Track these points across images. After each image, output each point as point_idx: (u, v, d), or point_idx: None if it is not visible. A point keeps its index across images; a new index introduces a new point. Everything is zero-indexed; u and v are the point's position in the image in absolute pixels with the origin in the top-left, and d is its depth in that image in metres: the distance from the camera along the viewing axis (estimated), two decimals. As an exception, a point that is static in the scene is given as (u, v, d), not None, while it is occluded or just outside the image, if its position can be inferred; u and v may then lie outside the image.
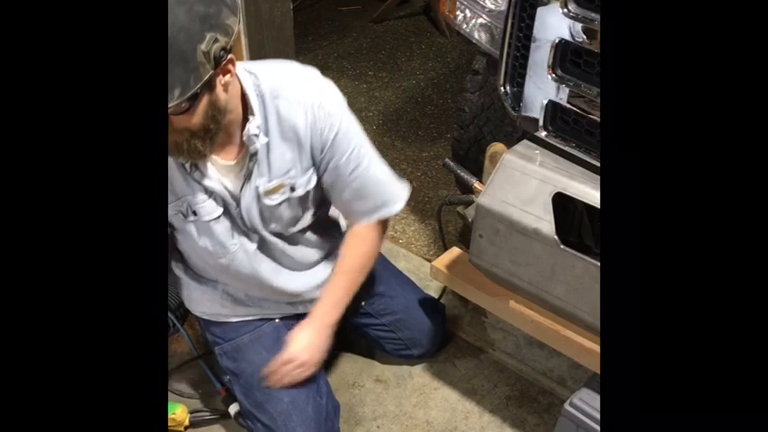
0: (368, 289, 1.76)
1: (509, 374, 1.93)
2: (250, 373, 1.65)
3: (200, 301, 1.70)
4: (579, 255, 1.35)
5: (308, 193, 1.53)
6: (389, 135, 2.92)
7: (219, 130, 1.32)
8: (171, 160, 1.38)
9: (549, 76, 1.35)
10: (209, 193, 1.44)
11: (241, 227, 1.52)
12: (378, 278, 1.80)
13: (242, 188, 1.45)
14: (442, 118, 3.02)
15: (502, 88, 1.50)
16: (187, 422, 1.76)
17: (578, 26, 1.28)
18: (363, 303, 1.79)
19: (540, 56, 1.35)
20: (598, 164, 1.36)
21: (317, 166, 1.51)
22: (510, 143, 1.52)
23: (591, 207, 1.38)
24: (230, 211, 1.48)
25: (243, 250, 1.54)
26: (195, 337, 1.98)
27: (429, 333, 1.89)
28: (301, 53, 3.31)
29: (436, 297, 2.04)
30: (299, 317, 1.75)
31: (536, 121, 1.43)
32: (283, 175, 1.47)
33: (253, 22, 2.03)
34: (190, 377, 1.91)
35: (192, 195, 1.43)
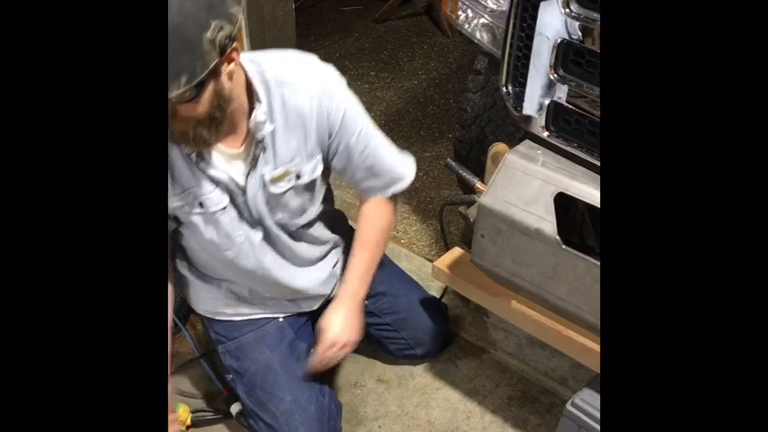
0: (371, 288, 1.76)
1: (511, 374, 1.93)
2: (253, 372, 1.65)
3: (204, 300, 1.70)
4: (581, 255, 1.35)
5: (313, 181, 1.54)
6: (391, 135, 2.89)
7: (224, 119, 1.33)
8: (176, 152, 1.38)
9: (551, 76, 1.36)
10: (215, 183, 1.44)
11: (247, 218, 1.52)
12: (381, 277, 1.80)
13: (247, 177, 1.45)
14: (443, 118, 3.02)
15: (504, 88, 1.50)
16: (189, 422, 1.76)
17: (576, 24, 1.28)
18: (367, 303, 1.79)
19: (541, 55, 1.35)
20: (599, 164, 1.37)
21: (326, 151, 1.52)
22: (512, 143, 1.52)
23: (592, 207, 1.38)
24: (236, 202, 1.49)
25: (248, 242, 1.54)
26: (197, 337, 1.98)
27: (432, 332, 1.89)
28: (303, 53, 3.31)
29: (438, 297, 2.04)
30: (303, 315, 1.76)
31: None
32: (288, 162, 1.47)
33: (255, 22, 2.03)
34: (191, 377, 1.91)
35: (198, 187, 1.43)
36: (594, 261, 1.33)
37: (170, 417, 1.55)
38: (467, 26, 1.70)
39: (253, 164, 1.44)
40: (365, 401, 1.87)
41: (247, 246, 1.54)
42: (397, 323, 1.84)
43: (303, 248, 1.65)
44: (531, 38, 1.37)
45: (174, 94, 1.18)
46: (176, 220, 1.52)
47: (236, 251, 1.54)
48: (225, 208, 1.47)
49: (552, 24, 1.31)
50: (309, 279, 1.69)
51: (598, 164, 1.37)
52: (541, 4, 1.32)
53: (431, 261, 2.00)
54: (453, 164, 1.72)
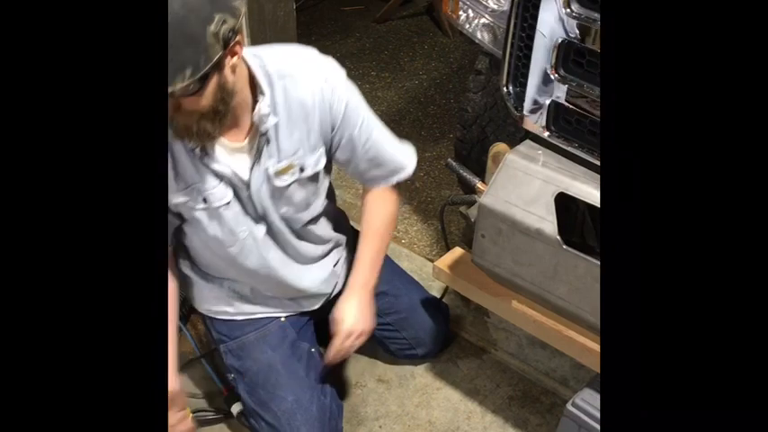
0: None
1: (511, 374, 1.93)
2: (255, 372, 1.65)
3: (207, 299, 1.70)
4: (582, 255, 1.35)
5: (317, 174, 1.54)
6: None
7: (228, 112, 1.33)
8: (180, 147, 1.39)
9: (553, 76, 1.36)
10: (219, 177, 1.44)
11: (251, 213, 1.52)
12: (382, 277, 1.80)
13: (251, 170, 1.46)
14: (444, 118, 3.02)
15: (504, 88, 1.50)
16: (190, 422, 1.76)
17: (576, 24, 1.28)
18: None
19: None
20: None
21: (329, 144, 1.53)
22: (513, 143, 1.52)
23: (593, 207, 1.38)
24: (240, 196, 1.49)
25: (252, 237, 1.54)
26: (197, 337, 1.98)
27: (433, 332, 1.89)
28: (304, 53, 3.31)
29: (439, 297, 2.04)
30: (304, 315, 1.76)
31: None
32: (292, 155, 1.47)
33: (256, 22, 2.03)
34: (192, 377, 1.91)
35: (202, 182, 1.43)
36: (595, 261, 1.33)
37: (181, 414, 1.54)
38: (468, 26, 1.70)
39: (257, 157, 1.44)
40: (366, 401, 1.87)
41: (251, 241, 1.54)
42: (398, 323, 1.84)
43: (306, 245, 1.65)
44: (531, 38, 1.37)
45: (178, 87, 1.19)
46: (180, 217, 1.51)
47: (239, 247, 1.54)
48: (229, 203, 1.48)
49: (553, 24, 1.31)
50: (311, 277, 1.69)
51: (599, 164, 1.37)
52: (542, 3, 1.32)
53: (432, 261, 2.00)
54: (454, 164, 1.72)
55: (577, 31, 1.28)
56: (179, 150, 1.39)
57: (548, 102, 1.40)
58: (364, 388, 1.91)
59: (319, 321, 1.80)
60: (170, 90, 1.19)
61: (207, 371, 1.89)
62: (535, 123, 1.44)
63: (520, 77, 1.47)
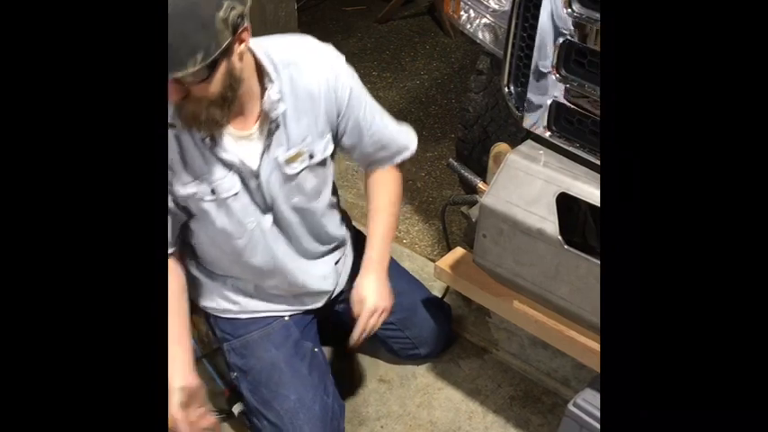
0: None
1: (513, 375, 1.93)
2: (258, 370, 1.66)
3: (211, 297, 1.71)
4: (583, 255, 1.35)
5: (325, 160, 1.56)
6: (394, 135, 2.91)
7: (236, 99, 1.35)
8: (188, 138, 1.39)
9: (554, 76, 1.36)
10: (227, 167, 1.45)
11: (259, 203, 1.52)
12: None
13: (261, 159, 1.46)
14: (446, 118, 3.02)
15: (506, 88, 1.50)
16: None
17: (577, 24, 1.28)
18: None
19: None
20: (602, 164, 1.36)
21: (336, 130, 1.55)
22: (514, 143, 1.52)
23: (595, 207, 1.38)
24: (248, 187, 1.49)
25: (260, 229, 1.54)
26: (199, 337, 1.98)
27: (435, 332, 1.89)
28: (306, 53, 3.31)
29: (440, 297, 2.04)
30: (308, 314, 1.76)
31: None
32: (301, 142, 1.49)
33: (257, 22, 2.04)
34: (194, 377, 1.91)
35: (210, 173, 1.44)
36: (596, 261, 1.33)
37: (201, 410, 1.53)
38: (469, 26, 1.70)
39: (266, 145, 1.45)
40: (367, 401, 1.87)
41: (258, 233, 1.55)
42: (401, 322, 1.84)
43: (311, 240, 1.66)
44: (532, 38, 1.37)
45: (189, 71, 1.20)
46: (187, 211, 1.52)
47: (247, 238, 1.54)
48: (237, 194, 1.48)
49: (554, 24, 1.31)
50: (314, 273, 1.69)
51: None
52: (543, 3, 1.32)
53: (433, 261, 2.00)
54: (455, 164, 1.72)
55: (578, 31, 1.28)
56: (187, 141, 1.40)
57: (549, 102, 1.40)
58: (366, 388, 1.91)
59: (322, 321, 1.80)
60: (180, 76, 1.21)
61: (208, 371, 1.89)
62: (536, 123, 1.44)
63: (521, 77, 1.47)
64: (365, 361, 1.97)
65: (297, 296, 1.72)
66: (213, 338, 1.83)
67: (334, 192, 1.71)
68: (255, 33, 1.37)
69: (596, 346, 1.48)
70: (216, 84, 1.28)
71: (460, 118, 2.06)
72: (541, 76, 1.38)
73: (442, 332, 1.92)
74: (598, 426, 1.39)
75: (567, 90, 1.36)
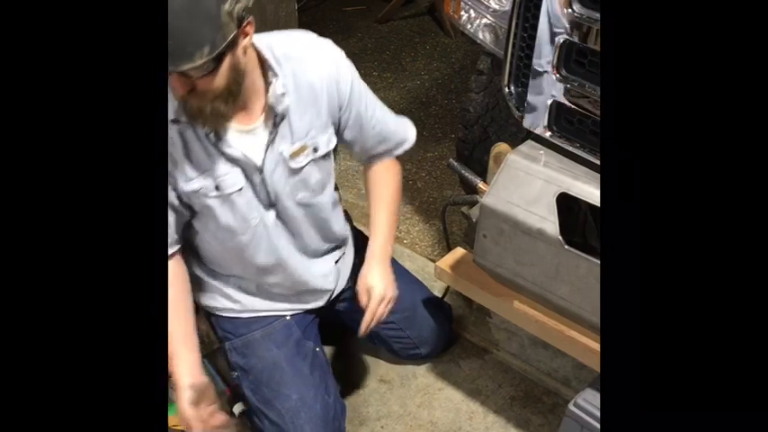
0: None
1: (513, 375, 1.93)
2: (259, 369, 1.66)
3: (213, 296, 1.71)
4: (583, 255, 1.35)
5: (329, 153, 1.57)
6: (394, 135, 2.92)
7: (240, 93, 1.36)
8: (192, 134, 1.40)
9: (554, 76, 1.36)
10: (231, 162, 1.45)
11: (263, 199, 1.53)
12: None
13: (265, 154, 1.47)
14: (446, 118, 3.02)
15: (506, 88, 1.50)
16: (192, 422, 1.76)
17: (577, 24, 1.28)
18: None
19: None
20: (602, 164, 1.36)
21: (338, 123, 1.55)
22: (514, 143, 1.52)
23: (595, 207, 1.38)
24: (252, 182, 1.49)
25: (263, 224, 1.55)
26: (200, 337, 1.98)
27: (436, 331, 1.89)
28: (306, 54, 3.32)
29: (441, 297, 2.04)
30: (309, 314, 1.76)
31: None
32: (305, 136, 1.49)
33: (258, 22, 2.03)
34: (195, 377, 1.91)
35: (214, 168, 1.44)
36: (596, 261, 1.33)
37: (212, 408, 1.52)
38: (469, 26, 1.70)
39: (271, 139, 1.46)
40: (368, 401, 1.87)
41: (261, 228, 1.55)
42: (402, 321, 1.84)
43: (315, 237, 1.66)
44: (533, 38, 1.37)
45: (197, 63, 1.21)
46: (190, 209, 1.52)
47: (250, 234, 1.54)
48: (241, 189, 1.48)
49: (554, 24, 1.31)
50: (315, 271, 1.70)
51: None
52: (543, 3, 1.32)
53: (433, 261, 2.00)
54: (456, 164, 1.72)
55: (578, 31, 1.28)
56: (191, 137, 1.40)
57: (549, 102, 1.40)
58: (366, 388, 1.91)
59: (323, 321, 1.80)
60: (187, 69, 1.21)
61: (209, 371, 1.89)
62: (536, 123, 1.44)
63: (521, 77, 1.47)
64: (366, 361, 1.97)
65: (298, 295, 1.72)
66: (214, 338, 1.83)
67: (335, 188, 1.71)
68: (256, 33, 1.38)
69: (596, 346, 1.48)
70: (221, 77, 1.28)
71: (461, 118, 2.06)
72: (541, 76, 1.38)
73: (442, 332, 1.92)
74: (598, 426, 1.39)
75: (567, 90, 1.36)
